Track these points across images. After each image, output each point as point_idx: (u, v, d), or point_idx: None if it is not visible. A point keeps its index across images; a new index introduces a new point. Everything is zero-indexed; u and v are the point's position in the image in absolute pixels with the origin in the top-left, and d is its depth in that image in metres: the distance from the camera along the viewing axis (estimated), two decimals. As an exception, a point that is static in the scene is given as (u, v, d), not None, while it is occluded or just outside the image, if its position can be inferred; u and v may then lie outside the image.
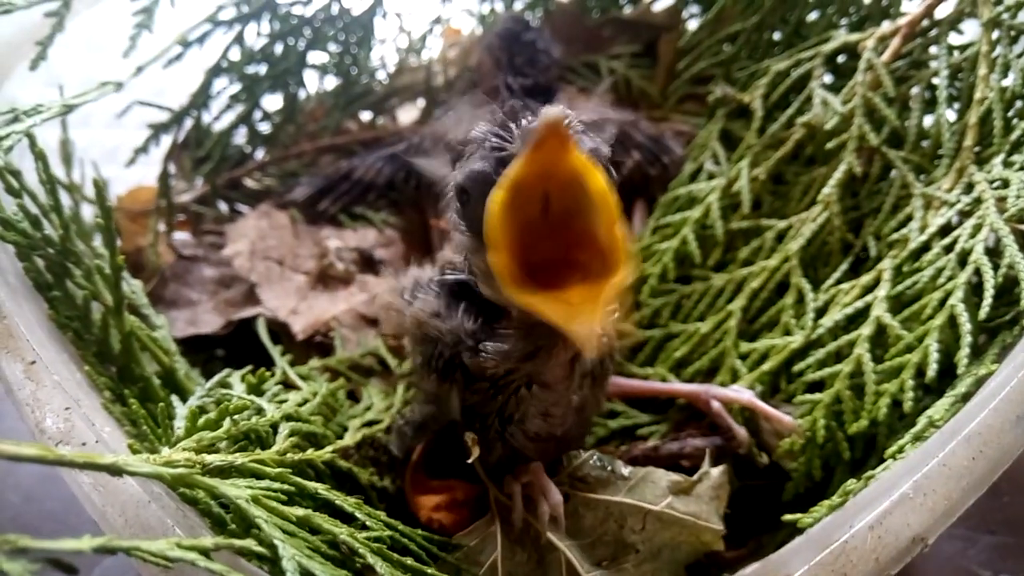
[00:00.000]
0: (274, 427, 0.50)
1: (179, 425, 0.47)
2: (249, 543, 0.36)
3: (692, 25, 0.93)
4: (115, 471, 0.34)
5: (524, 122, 0.39)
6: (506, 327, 0.45)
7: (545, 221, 0.38)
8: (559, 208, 0.37)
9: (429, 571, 0.44)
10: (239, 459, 0.42)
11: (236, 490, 0.37)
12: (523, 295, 0.37)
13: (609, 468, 0.55)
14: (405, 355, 0.72)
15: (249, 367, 0.59)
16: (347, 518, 0.46)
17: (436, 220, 0.83)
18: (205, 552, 0.34)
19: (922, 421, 0.49)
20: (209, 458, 0.41)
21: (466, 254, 0.45)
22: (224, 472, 0.42)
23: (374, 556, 0.41)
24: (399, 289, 0.52)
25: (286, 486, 0.43)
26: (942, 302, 0.55)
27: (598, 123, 0.42)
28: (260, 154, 0.93)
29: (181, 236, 0.88)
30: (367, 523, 0.45)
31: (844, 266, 0.64)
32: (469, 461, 0.50)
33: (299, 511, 0.40)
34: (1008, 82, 0.61)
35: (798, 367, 0.60)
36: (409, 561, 0.43)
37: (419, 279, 0.52)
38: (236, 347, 0.76)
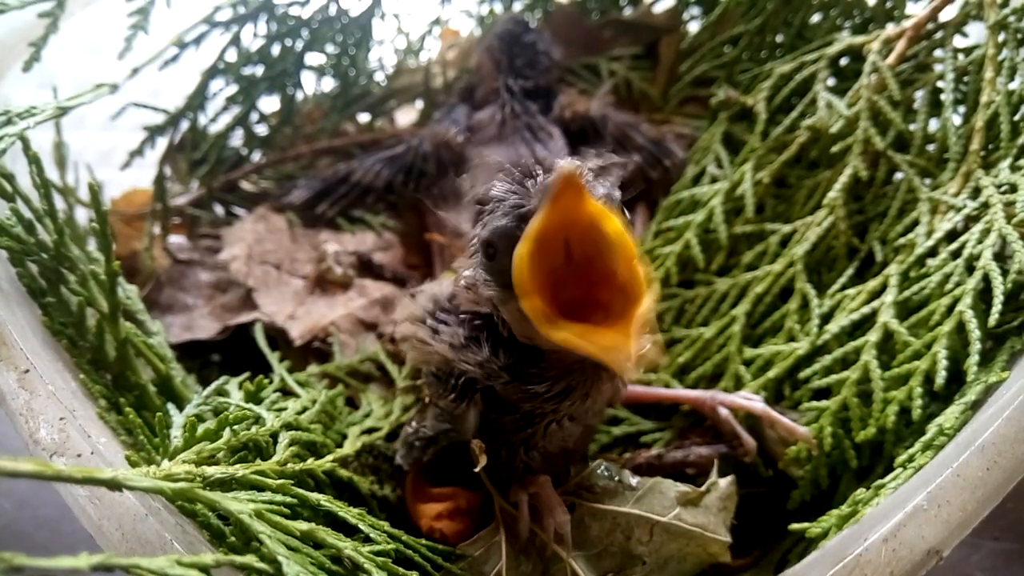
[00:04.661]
0: (274, 436, 0.49)
1: (176, 434, 0.46)
2: (251, 559, 0.35)
3: (693, 27, 0.92)
4: (114, 486, 0.33)
5: (540, 179, 0.41)
6: (543, 370, 0.47)
7: (569, 266, 0.40)
8: (580, 253, 0.40)
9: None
10: (240, 471, 0.41)
11: (239, 504, 0.36)
12: (559, 332, 0.39)
13: (616, 478, 0.54)
14: (404, 360, 0.71)
15: (247, 374, 0.58)
16: (349, 530, 0.45)
17: (432, 234, 0.82)
18: (206, 569, 0.33)
19: (932, 429, 0.49)
20: (210, 470, 0.40)
21: (494, 305, 0.46)
22: (225, 485, 0.41)
23: (380, 571, 0.40)
24: (419, 316, 0.51)
25: (288, 498, 0.42)
26: (950, 308, 0.54)
27: (605, 168, 0.44)
28: (257, 157, 0.92)
29: (177, 240, 0.87)
30: (371, 535, 0.45)
31: (850, 271, 0.63)
32: (476, 470, 0.49)
33: (303, 525, 0.39)
34: (1015, 85, 0.60)
35: (804, 374, 0.60)
36: (415, 575, 0.42)
37: (437, 299, 0.51)
38: (232, 353, 0.75)
